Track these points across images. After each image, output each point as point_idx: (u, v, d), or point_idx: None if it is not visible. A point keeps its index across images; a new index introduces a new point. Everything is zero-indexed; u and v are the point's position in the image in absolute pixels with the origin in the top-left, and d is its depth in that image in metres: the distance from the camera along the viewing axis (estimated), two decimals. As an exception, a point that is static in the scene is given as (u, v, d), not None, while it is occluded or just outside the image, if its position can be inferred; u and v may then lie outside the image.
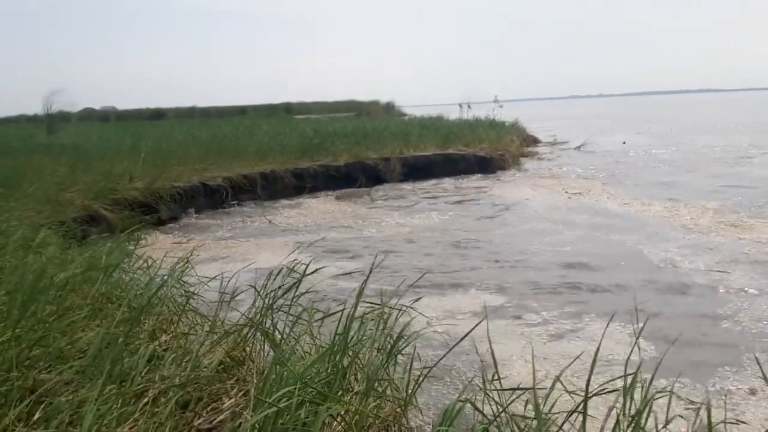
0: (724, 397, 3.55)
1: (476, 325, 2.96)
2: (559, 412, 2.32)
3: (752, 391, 3.65)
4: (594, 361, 2.27)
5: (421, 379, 2.82)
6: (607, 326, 4.18)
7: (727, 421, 2.52)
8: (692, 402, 3.49)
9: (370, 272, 3.27)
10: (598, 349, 2.39)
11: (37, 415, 2.27)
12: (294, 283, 3.43)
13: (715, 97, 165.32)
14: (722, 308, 5.17)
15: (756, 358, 3.90)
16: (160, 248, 7.25)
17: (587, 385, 2.16)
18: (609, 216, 9.48)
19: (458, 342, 3.07)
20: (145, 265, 4.54)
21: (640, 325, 4.60)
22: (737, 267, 6.33)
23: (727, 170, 14.60)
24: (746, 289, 5.64)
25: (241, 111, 46.00)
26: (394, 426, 2.65)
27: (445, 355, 3.23)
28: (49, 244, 5.20)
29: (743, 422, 3.11)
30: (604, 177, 14.03)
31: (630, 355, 2.56)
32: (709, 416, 2.15)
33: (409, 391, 2.79)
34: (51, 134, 21.73)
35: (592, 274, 6.38)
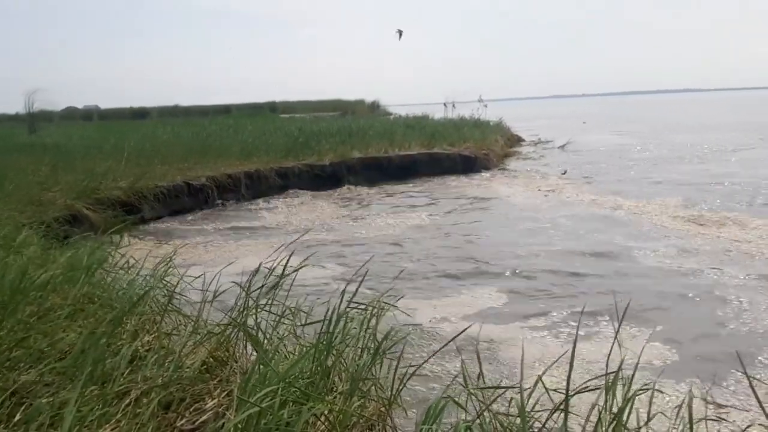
0: (707, 396, 3.58)
1: (465, 329, 2.98)
2: (541, 410, 2.33)
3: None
4: (572, 358, 2.28)
5: (406, 378, 2.82)
6: (579, 323, 4.21)
7: (708, 418, 2.54)
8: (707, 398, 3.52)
9: (362, 273, 3.27)
10: (574, 346, 2.41)
11: (17, 417, 2.24)
12: (277, 282, 3.42)
13: (705, 96, 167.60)
14: (724, 308, 5.24)
15: (738, 355, 3.94)
16: (141, 249, 7.20)
17: (567, 383, 2.17)
18: (592, 214, 9.56)
19: (446, 344, 3.09)
20: (127, 265, 4.51)
21: (617, 324, 4.64)
22: (726, 265, 6.43)
23: (697, 168, 14.97)
24: (742, 287, 5.72)
25: (226, 110, 45.80)
26: (379, 425, 2.65)
27: (432, 356, 3.24)
28: (30, 244, 5.15)
29: (724, 419, 3.14)
30: (585, 176, 14.17)
31: (626, 354, 2.57)
32: (690, 413, 2.17)
33: (394, 390, 2.79)
34: (33, 133, 21.53)
35: (589, 274, 6.39)
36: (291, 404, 2.33)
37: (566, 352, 3.39)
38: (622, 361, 2.38)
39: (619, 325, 2.74)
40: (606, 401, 2.23)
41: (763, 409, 2.16)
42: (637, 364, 2.46)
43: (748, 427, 2.60)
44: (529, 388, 2.37)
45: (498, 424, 2.32)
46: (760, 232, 7.86)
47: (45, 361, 2.65)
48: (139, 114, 45.50)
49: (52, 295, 3.46)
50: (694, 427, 2.15)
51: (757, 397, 2.24)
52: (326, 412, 2.43)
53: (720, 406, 3.48)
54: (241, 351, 3.19)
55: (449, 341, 2.99)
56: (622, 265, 6.69)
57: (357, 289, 3.13)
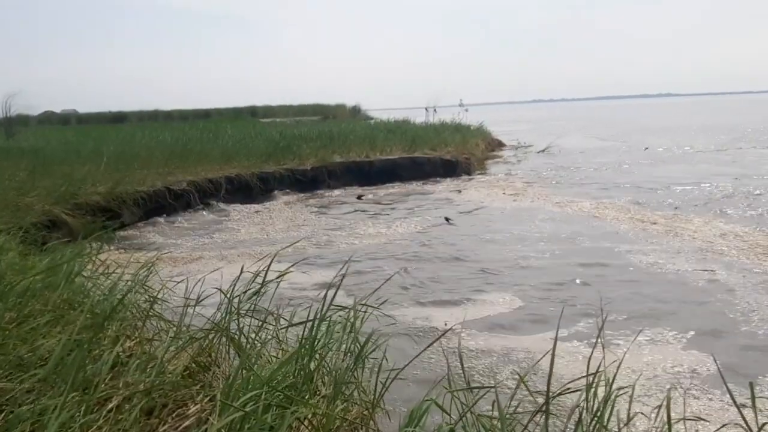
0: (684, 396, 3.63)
1: (444, 332, 2.99)
2: (524, 412, 2.35)
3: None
4: (552, 360, 2.30)
5: (388, 382, 2.83)
6: (557, 330, 4.21)
7: (687, 418, 2.57)
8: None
9: (343, 280, 3.27)
10: (554, 350, 2.43)
11: (-3, 424, 2.22)
12: (260, 287, 3.41)
13: (685, 100, 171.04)
14: (732, 310, 5.31)
15: (715, 359, 3.98)
16: (121, 257, 7.11)
17: (548, 385, 2.19)
18: (571, 218, 9.65)
19: (425, 348, 3.10)
20: (108, 271, 4.46)
21: (599, 324, 4.68)
22: (712, 264, 6.59)
23: (669, 169, 15.65)
24: (742, 287, 5.83)
25: (206, 114, 45.49)
26: (362, 429, 2.65)
27: (413, 360, 3.24)
28: (8, 250, 5.09)
29: (702, 419, 3.18)
30: (565, 181, 14.35)
31: (592, 353, 2.59)
32: (668, 413, 2.20)
33: (377, 394, 2.80)
34: (10, 138, 21.23)
35: (591, 278, 6.34)
36: (274, 408, 2.33)
37: (547, 352, 3.43)
38: (601, 361, 2.41)
39: (601, 329, 2.77)
40: (587, 402, 2.26)
41: (741, 413, 2.19)
42: (619, 366, 2.49)
43: (723, 426, 2.63)
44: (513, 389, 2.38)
45: (481, 426, 2.34)
46: (720, 230, 8.18)
47: (25, 367, 2.62)
48: (119, 118, 45.06)
49: (31, 301, 3.42)
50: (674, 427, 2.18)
51: (734, 401, 2.28)
52: (309, 416, 2.43)
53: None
54: (223, 356, 3.18)
55: (430, 344, 3.01)
56: (619, 268, 6.71)
57: (335, 293, 3.13)
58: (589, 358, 2.49)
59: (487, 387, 2.50)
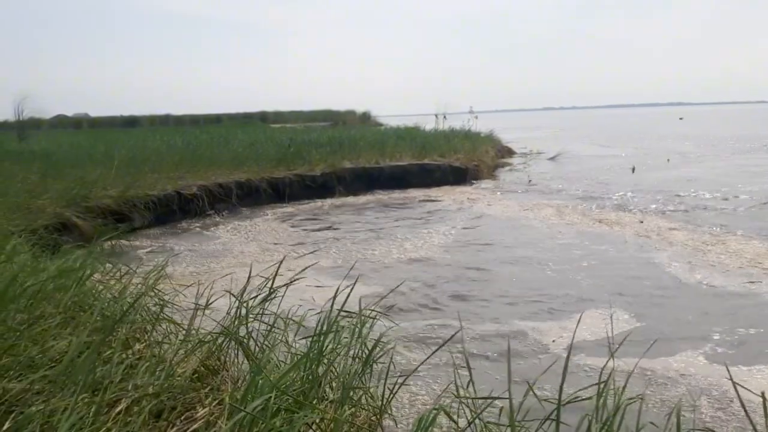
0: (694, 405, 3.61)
1: (452, 336, 2.99)
2: (532, 420, 2.35)
3: None
4: (565, 368, 2.30)
5: (396, 388, 2.83)
6: (572, 340, 4.19)
7: (696, 429, 2.56)
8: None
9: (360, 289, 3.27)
10: (568, 357, 2.42)
11: (6, 425, 2.23)
12: (270, 292, 3.42)
13: (692, 110, 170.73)
14: None
15: (728, 370, 3.93)
16: (132, 260, 7.14)
17: (560, 393, 2.19)
18: (595, 231, 9.60)
19: (434, 352, 3.09)
20: (119, 273, 4.49)
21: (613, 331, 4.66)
22: (746, 277, 6.50)
23: (675, 174, 15.66)
24: None
25: (216, 119, 45.75)
26: (369, 434, 2.66)
27: (420, 365, 3.24)
28: (20, 252, 5.12)
29: (711, 430, 3.16)
30: (572, 189, 14.30)
31: (606, 363, 2.58)
32: (678, 422, 2.19)
33: (385, 399, 2.80)
34: (22, 141, 21.40)
35: (652, 298, 6.08)
36: (283, 412, 2.33)
37: (556, 361, 3.41)
38: (612, 371, 2.40)
39: (618, 344, 2.75)
40: (597, 411, 2.25)
41: (752, 424, 2.18)
42: (630, 375, 2.48)
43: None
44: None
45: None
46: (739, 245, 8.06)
47: (35, 369, 2.64)
48: (130, 122, 45.35)
49: (42, 303, 3.44)
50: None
51: (747, 414, 2.27)
52: (317, 421, 2.44)
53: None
54: (232, 360, 3.19)
55: (436, 350, 3.00)
56: (671, 286, 6.45)
57: (335, 296, 3.13)
58: (602, 370, 2.48)
59: (495, 398, 2.49)
